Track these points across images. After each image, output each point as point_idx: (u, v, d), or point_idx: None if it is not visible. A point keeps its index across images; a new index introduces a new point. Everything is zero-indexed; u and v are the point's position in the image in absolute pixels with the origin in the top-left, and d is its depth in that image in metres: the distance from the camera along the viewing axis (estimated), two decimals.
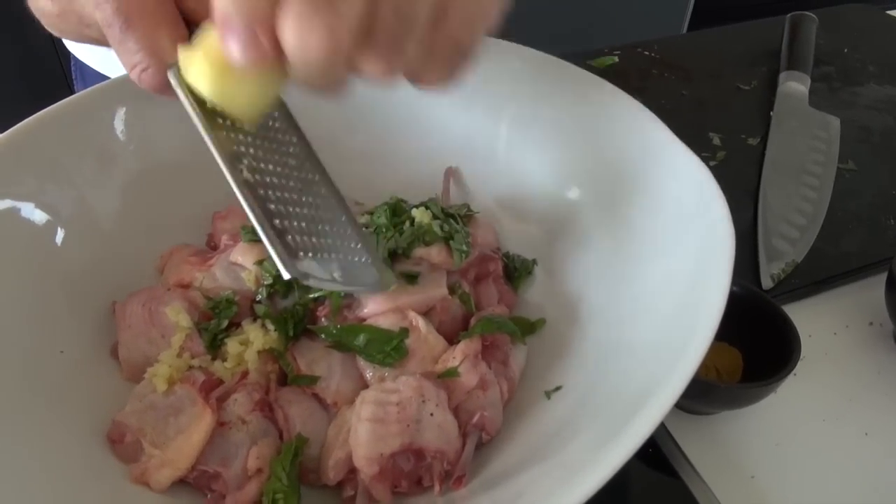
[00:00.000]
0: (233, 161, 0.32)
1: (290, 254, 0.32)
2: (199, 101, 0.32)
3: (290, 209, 0.34)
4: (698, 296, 0.37)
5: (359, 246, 0.38)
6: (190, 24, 0.33)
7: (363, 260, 0.37)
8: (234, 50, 0.27)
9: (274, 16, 0.26)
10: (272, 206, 0.33)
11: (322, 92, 0.29)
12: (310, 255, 0.33)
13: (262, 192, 0.33)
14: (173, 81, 0.32)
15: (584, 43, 0.95)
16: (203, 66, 0.30)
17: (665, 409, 0.32)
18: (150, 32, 0.31)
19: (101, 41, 0.34)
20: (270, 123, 0.36)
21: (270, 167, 0.35)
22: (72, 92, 0.47)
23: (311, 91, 0.29)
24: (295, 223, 0.34)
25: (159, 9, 0.32)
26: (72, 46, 0.74)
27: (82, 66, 0.73)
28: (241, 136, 0.34)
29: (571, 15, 1.75)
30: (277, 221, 0.33)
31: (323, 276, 0.33)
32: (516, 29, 0.85)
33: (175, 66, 0.32)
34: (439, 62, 0.31)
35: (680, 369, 0.33)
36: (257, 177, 0.33)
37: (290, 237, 0.33)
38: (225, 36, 0.27)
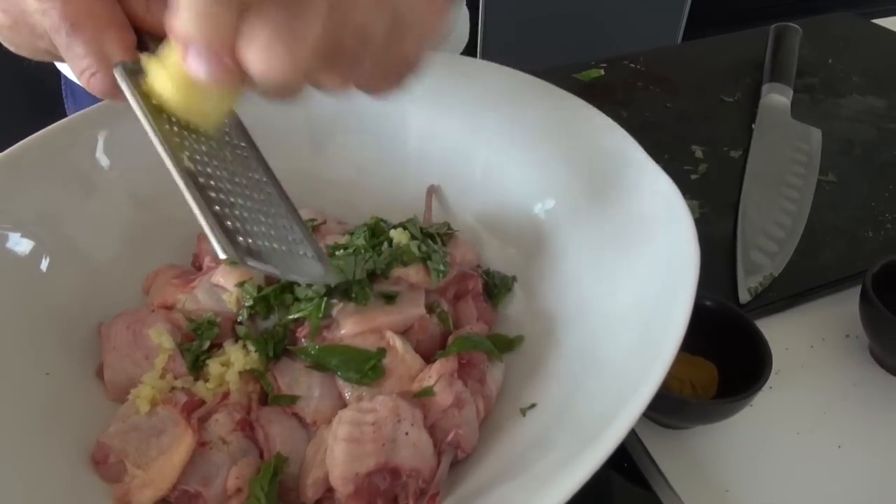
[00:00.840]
0: (175, 151, 0.33)
1: (229, 237, 0.32)
2: (146, 99, 0.33)
3: (233, 200, 0.34)
4: (664, 313, 0.38)
5: (303, 241, 0.38)
6: (138, 30, 0.34)
7: (307, 254, 0.38)
8: (197, 68, 0.28)
9: (235, 37, 0.27)
10: (213, 195, 0.33)
11: (279, 100, 0.31)
12: (250, 240, 0.33)
13: (203, 181, 0.33)
14: (120, 80, 0.32)
15: (580, 53, 0.97)
16: (166, 80, 0.31)
17: (630, 423, 0.33)
18: (97, 36, 0.32)
19: (55, 54, 0.35)
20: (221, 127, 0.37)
21: (215, 162, 0.35)
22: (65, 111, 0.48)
23: (269, 99, 0.31)
24: (237, 212, 0.34)
25: (105, 13, 0.33)
26: (61, 66, 0.75)
27: (72, 86, 0.74)
28: (188, 134, 0.34)
29: (567, 26, 1.76)
30: (218, 208, 0.33)
31: (263, 261, 0.33)
32: (517, 42, 0.86)
33: (120, 65, 0.32)
34: (391, 76, 0.33)
35: (645, 384, 0.34)
36: (199, 168, 0.34)
37: (230, 223, 0.33)
38: (187, 55, 0.28)
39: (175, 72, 0.31)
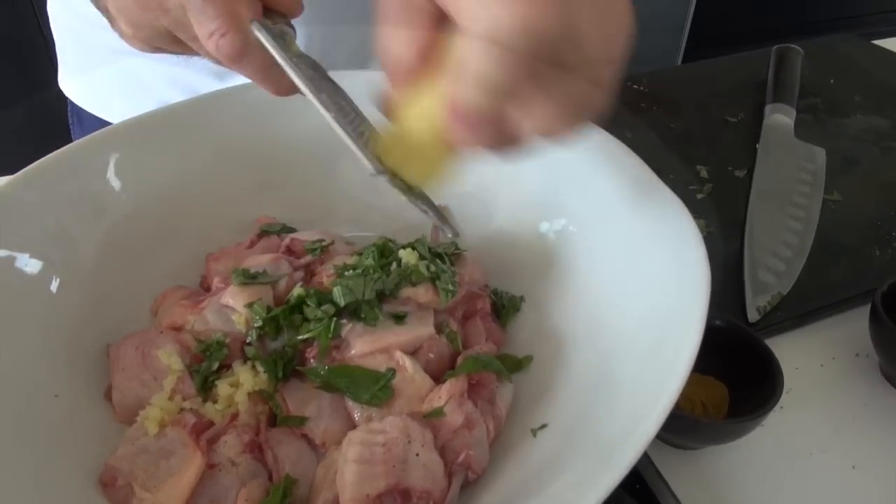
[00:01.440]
0: (319, 94, 0.37)
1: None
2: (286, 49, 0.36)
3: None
4: (676, 333, 0.38)
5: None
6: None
7: None
8: (461, 137, 0.30)
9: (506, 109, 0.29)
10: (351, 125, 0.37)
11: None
12: None
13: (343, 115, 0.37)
14: (258, 32, 0.36)
15: None
16: (415, 125, 0.34)
17: (644, 444, 0.33)
18: (230, 1, 0.35)
19: (171, 36, 0.38)
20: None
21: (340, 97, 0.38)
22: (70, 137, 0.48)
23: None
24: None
25: None
26: (70, 92, 0.76)
27: (79, 112, 0.75)
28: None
29: None
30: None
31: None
32: None
33: (256, 21, 0.36)
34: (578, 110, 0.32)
35: (658, 405, 0.34)
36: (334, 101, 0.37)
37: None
38: (457, 121, 0.29)
39: (423, 124, 0.33)
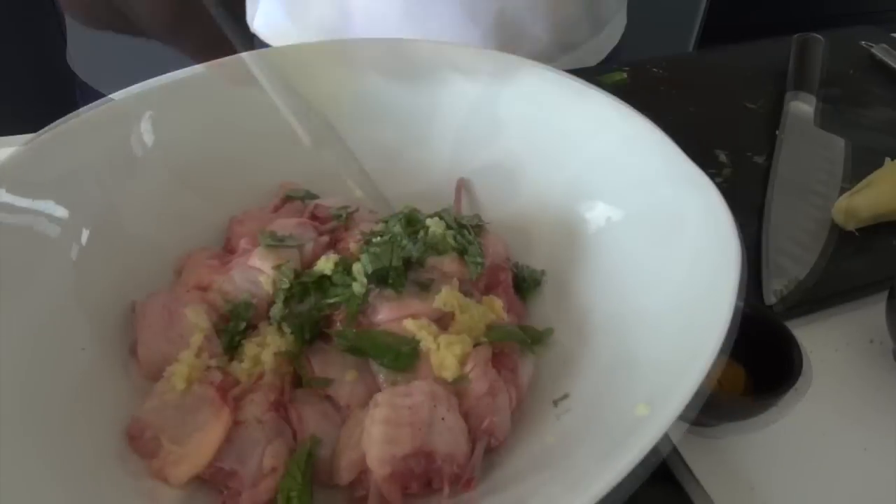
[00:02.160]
0: None
1: None
2: None
3: None
4: (704, 313, 0.38)
5: None
6: None
7: None
8: None
9: None
10: None
11: None
12: None
13: None
14: None
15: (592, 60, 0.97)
16: None
17: (669, 421, 0.33)
18: None
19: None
20: None
21: None
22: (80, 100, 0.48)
23: None
24: None
25: None
26: (82, 71, 0.76)
27: (87, 92, 0.75)
28: None
29: None
30: None
31: None
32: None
33: None
34: None
35: (684, 385, 0.34)
36: None
37: None
38: None
39: None
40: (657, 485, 0.47)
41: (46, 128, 0.46)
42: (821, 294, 0.58)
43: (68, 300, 0.43)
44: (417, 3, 0.67)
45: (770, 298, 0.57)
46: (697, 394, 0.34)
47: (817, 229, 0.64)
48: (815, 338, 0.56)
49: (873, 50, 0.96)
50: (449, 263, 0.47)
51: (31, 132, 0.46)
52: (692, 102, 0.85)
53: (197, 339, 0.43)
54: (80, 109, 0.47)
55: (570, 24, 0.74)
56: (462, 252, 0.47)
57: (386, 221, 0.49)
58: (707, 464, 0.47)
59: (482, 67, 0.56)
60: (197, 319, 0.44)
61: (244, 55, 0.55)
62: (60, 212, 0.44)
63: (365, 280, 0.44)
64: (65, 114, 0.46)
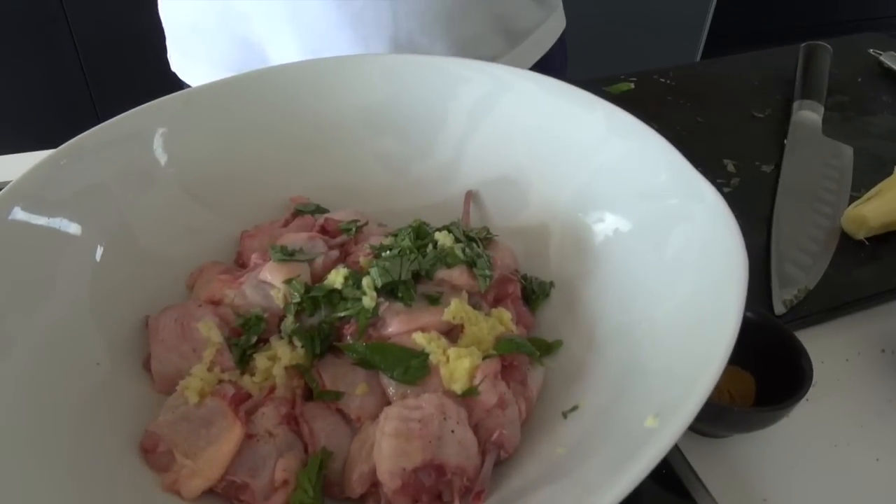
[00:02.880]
0: None
1: None
2: None
3: None
4: (712, 322, 0.38)
5: None
6: None
7: None
8: None
9: None
10: None
11: None
12: None
13: None
14: None
15: (598, 70, 0.97)
16: None
17: (678, 433, 0.33)
18: None
19: None
20: None
21: None
22: (100, 120, 0.49)
23: None
24: None
25: None
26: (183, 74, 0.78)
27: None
28: None
29: (585, 43, 1.77)
30: None
31: None
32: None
33: None
34: None
35: (692, 396, 0.34)
36: None
37: None
38: None
39: None
40: (668, 495, 0.47)
41: (63, 145, 0.46)
42: (831, 303, 0.58)
43: (83, 315, 0.44)
44: (313, 36, 0.69)
45: (779, 308, 0.57)
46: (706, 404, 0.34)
47: (826, 238, 0.64)
48: (826, 347, 0.56)
49: (881, 57, 0.96)
50: (458, 276, 0.47)
51: (52, 147, 0.47)
52: (699, 112, 0.85)
53: (209, 353, 0.44)
54: (97, 126, 0.48)
55: (475, 41, 0.73)
56: (471, 264, 0.48)
57: (395, 235, 0.50)
58: (718, 475, 0.47)
59: (486, 80, 0.57)
60: (209, 333, 0.44)
61: (254, 72, 0.56)
62: (75, 229, 0.45)
63: (374, 293, 0.44)
64: (85, 129, 0.47)
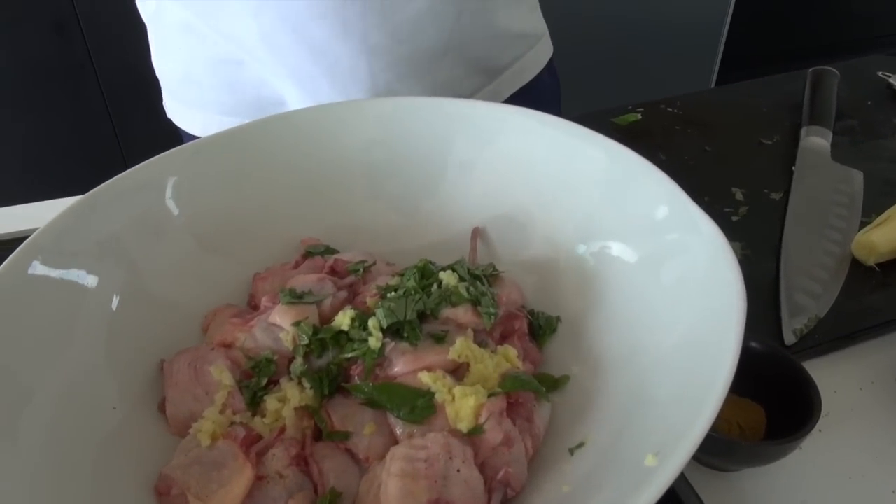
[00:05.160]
0: None
1: None
2: None
3: None
4: (712, 355, 0.39)
5: None
6: None
7: None
8: None
9: None
10: None
11: None
12: None
13: None
14: None
15: (612, 99, 0.99)
16: None
17: (676, 471, 0.33)
18: None
19: None
20: None
21: None
22: (127, 166, 0.51)
23: None
24: None
25: None
26: (179, 120, 0.81)
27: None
28: None
29: (599, 71, 1.79)
30: None
31: None
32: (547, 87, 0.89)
33: None
34: None
35: (691, 432, 0.34)
36: None
37: None
38: None
39: None
40: None
41: (79, 198, 0.48)
42: (842, 332, 0.58)
43: (100, 362, 0.45)
44: (297, 84, 0.71)
45: (790, 338, 0.57)
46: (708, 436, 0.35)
47: (836, 265, 0.64)
48: (839, 376, 0.55)
49: (890, 80, 0.96)
50: (463, 314, 0.48)
51: (80, 193, 0.49)
52: (707, 140, 0.85)
53: (221, 396, 0.45)
54: (112, 179, 0.50)
55: (452, 82, 0.74)
56: (476, 303, 0.48)
57: (401, 275, 0.51)
58: None
59: (486, 118, 0.58)
60: (221, 376, 0.45)
61: (259, 120, 0.58)
62: (92, 280, 0.46)
63: (380, 334, 0.45)
64: (114, 174, 0.49)
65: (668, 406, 0.40)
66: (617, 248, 0.52)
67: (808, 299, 0.60)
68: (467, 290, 0.48)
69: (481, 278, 0.51)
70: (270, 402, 0.45)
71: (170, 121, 0.82)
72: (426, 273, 0.50)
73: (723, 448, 0.45)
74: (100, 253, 0.47)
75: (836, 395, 0.54)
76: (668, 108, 0.93)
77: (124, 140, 1.71)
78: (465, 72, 0.75)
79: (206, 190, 0.54)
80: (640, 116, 0.91)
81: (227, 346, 0.48)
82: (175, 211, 0.52)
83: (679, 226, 0.47)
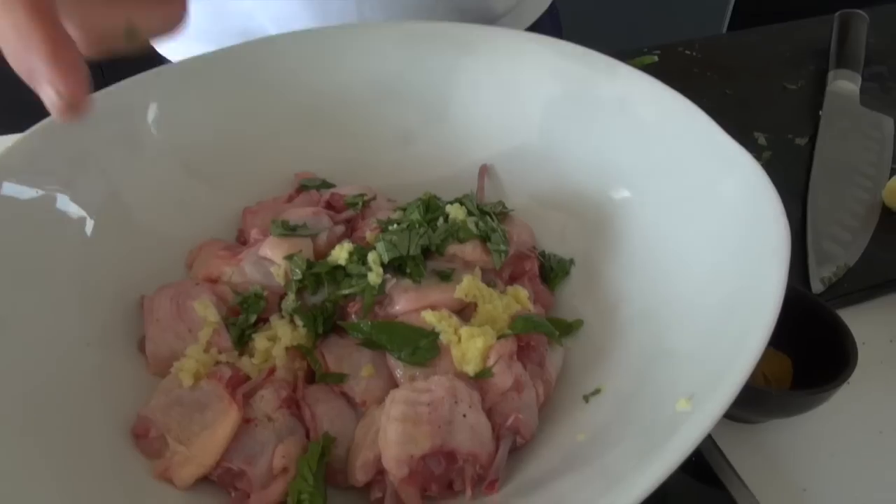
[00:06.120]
0: None
1: None
2: None
3: None
4: (750, 299, 0.35)
5: None
6: None
7: None
8: None
9: None
10: None
11: None
12: None
13: None
14: None
15: (621, 44, 0.93)
16: None
17: (714, 419, 0.30)
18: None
19: None
20: None
21: None
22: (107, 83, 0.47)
23: None
24: None
25: None
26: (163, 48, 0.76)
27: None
28: None
29: (608, 15, 1.73)
30: None
31: None
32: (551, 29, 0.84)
33: None
34: None
35: (729, 377, 0.31)
36: None
37: None
38: None
39: None
40: (699, 485, 0.44)
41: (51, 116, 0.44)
42: (872, 281, 0.54)
43: (73, 293, 0.42)
44: (283, 23, 0.66)
45: (818, 287, 0.53)
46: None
47: (866, 213, 0.60)
48: (867, 328, 0.52)
49: None
50: (471, 251, 0.44)
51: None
52: (727, 84, 0.81)
53: (206, 334, 0.41)
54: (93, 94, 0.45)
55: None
56: (484, 239, 0.45)
57: (404, 209, 0.47)
58: (753, 463, 0.43)
59: (498, 45, 0.53)
60: (205, 313, 0.42)
61: (255, 41, 0.53)
62: (63, 201, 0.42)
63: (381, 269, 0.41)
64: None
65: (696, 354, 0.36)
66: (639, 187, 0.48)
67: (836, 247, 0.56)
68: (476, 225, 0.45)
69: (491, 214, 0.47)
70: (259, 341, 0.41)
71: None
72: (431, 206, 0.46)
73: (751, 397, 0.41)
74: (72, 171, 0.43)
75: (865, 347, 0.50)
76: (687, 51, 0.88)
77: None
78: (460, 18, 0.71)
79: (193, 113, 0.49)
80: (656, 59, 0.86)
81: (213, 280, 0.44)
82: (158, 132, 0.48)
83: (713, 162, 0.43)
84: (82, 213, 0.43)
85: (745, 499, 0.42)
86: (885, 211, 0.61)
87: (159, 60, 0.77)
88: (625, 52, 0.86)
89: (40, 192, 0.42)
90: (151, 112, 0.48)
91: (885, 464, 0.44)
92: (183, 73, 0.50)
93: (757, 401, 0.42)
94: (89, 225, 0.43)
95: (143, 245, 0.46)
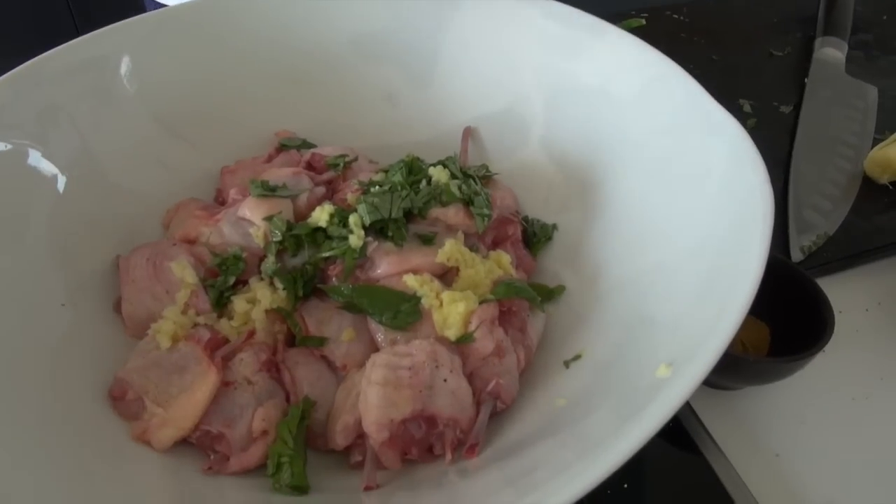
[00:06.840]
0: None
1: None
2: None
3: None
4: (731, 267, 0.35)
5: None
6: None
7: None
8: None
9: None
10: None
11: None
12: None
13: None
14: None
15: (608, 6, 0.92)
16: None
17: (693, 386, 0.30)
18: None
19: None
20: None
21: None
22: (80, 33, 0.45)
23: None
24: None
25: None
26: None
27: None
28: None
29: None
30: None
31: None
32: None
33: None
34: None
35: (709, 345, 0.31)
36: None
37: None
38: None
39: None
40: (675, 449, 0.45)
41: (20, 67, 0.42)
42: (851, 250, 0.55)
43: (45, 251, 0.40)
44: None
45: (797, 255, 0.53)
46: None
47: (847, 182, 0.60)
48: (845, 297, 0.52)
49: None
50: (453, 215, 0.44)
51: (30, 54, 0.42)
52: (714, 50, 0.80)
53: (183, 295, 0.41)
54: (59, 47, 0.43)
55: None
56: (468, 203, 0.44)
57: (386, 171, 0.46)
58: (729, 429, 0.44)
59: (486, 5, 0.52)
60: (183, 274, 0.41)
61: None
62: (34, 156, 0.41)
63: (362, 232, 0.41)
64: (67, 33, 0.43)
65: (675, 324, 0.36)
66: (624, 153, 0.47)
67: (817, 216, 0.56)
68: (459, 188, 0.44)
69: (474, 178, 0.46)
70: (239, 304, 0.40)
71: None
72: (414, 169, 0.45)
73: (729, 364, 0.42)
74: (42, 125, 0.42)
75: (842, 316, 0.51)
76: (675, 15, 0.86)
77: (76, 4, 1.51)
78: None
79: (170, 67, 0.48)
80: (644, 22, 0.84)
81: (191, 241, 0.44)
82: (132, 86, 0.46)
83: (698, 127, 0.43)
84: (54, 169, 0.42)
85: (721, 464, 0.42)
86: (866, 181, 0.61)
87: (139, 4, 0.74)
88: (612, 15, 0.85)
89: (8, 147, 0.40)
90: (125, 65, 0.46)
91: (854, 431, 0.44)
92: (158, 24, 0.48)
93: (734, 368, 0.42)
94: (61, 181, 0.42)
95: (117, 203, 0.45)
